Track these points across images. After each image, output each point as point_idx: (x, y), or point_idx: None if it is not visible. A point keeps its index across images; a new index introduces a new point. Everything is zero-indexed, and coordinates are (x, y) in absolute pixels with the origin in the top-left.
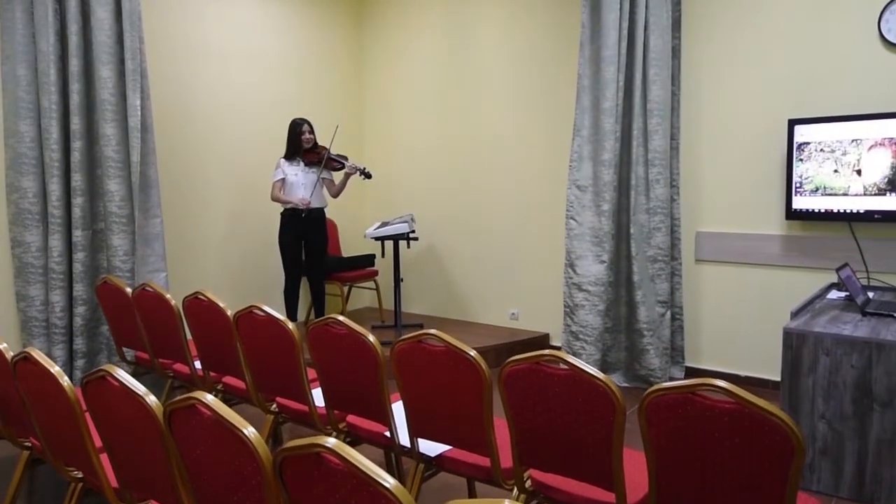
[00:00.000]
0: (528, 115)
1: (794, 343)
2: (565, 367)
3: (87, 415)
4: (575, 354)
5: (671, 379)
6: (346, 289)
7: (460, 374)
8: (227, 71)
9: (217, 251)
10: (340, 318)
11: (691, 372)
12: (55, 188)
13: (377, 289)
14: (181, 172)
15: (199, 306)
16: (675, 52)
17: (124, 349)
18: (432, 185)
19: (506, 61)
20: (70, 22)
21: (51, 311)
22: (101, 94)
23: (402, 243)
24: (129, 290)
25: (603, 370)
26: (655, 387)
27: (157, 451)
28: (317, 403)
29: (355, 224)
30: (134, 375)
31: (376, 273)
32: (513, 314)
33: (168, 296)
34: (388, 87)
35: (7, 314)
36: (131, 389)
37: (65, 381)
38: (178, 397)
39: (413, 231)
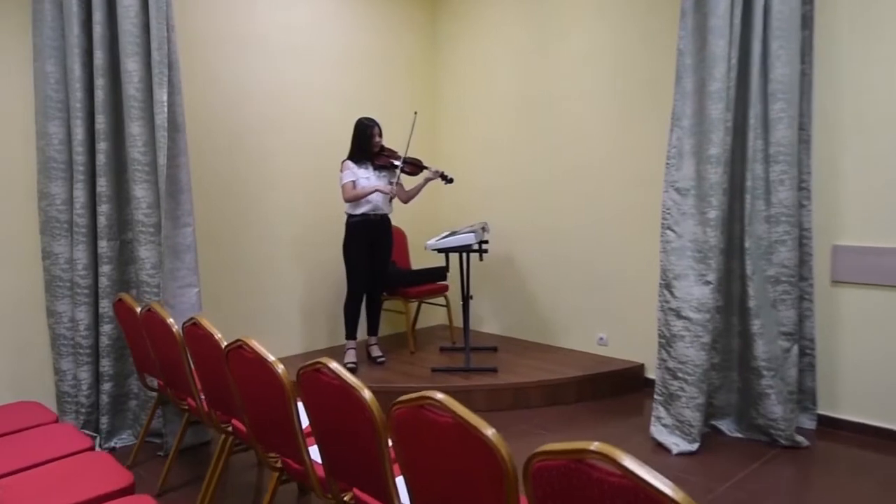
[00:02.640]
0: (622, 104)
1: None
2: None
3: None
4: (671, 396)
5: (799, 430)
6: (412, 305)
7: (473, 458)
8: (283, 66)
9: (267, 267)
10: (332, 365)
11: (826, 422)
12: (80, 194)
13: (447, 305)
14: (224, 176)
15: (195, 335)
16: (807, 21)
17: (146, 376)
18: (511, 189)
19: (592, 44)
20: (95, 10)
21: (75, 330)
22: (128, 89)
23: (474, 255)
24: (138, 309)
25: (709, 417)
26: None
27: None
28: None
29: (428, 232)
30: (160, 404)
31: (446, 288)
32: (601, 339)
33: (170, 320)
34: (464, 82)
35: (40, 330)
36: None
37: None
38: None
39: (485, 241)
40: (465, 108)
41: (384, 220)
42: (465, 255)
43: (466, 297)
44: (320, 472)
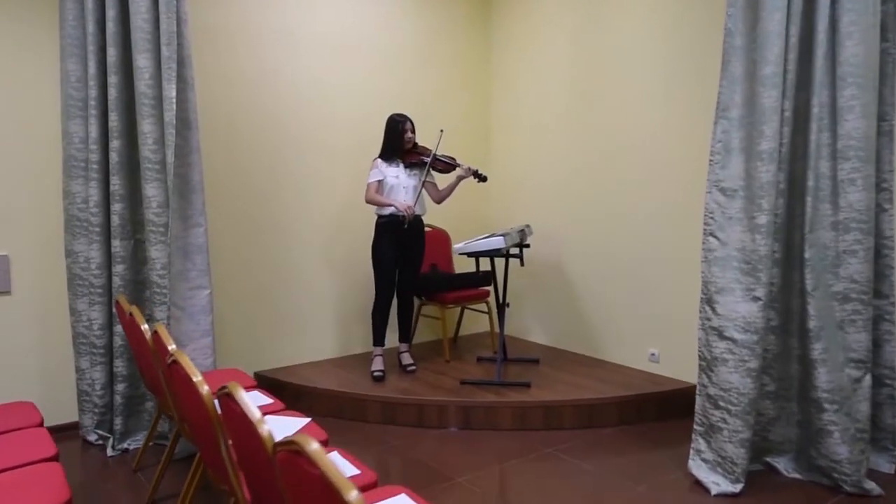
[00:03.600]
0: (678, 101)
1: None
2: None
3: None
4: (712, 427)
5: (872, 475)
6: (450, 311)
7: None
8: (318, 61)
9: (296, 268)
10: (315, 447)
11: None
12: (94, 192)
13: (489, 312)
14: (254, 174)
15: (174, 374)
16: None
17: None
18: (561, 189)
19: (647, 34)
20: (108, 8)
21: (90, 329)
22: (139, 86)
23: (515, 260)
24: (144, 327)
25: (763, 452)
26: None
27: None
28: None
29: (473, 234)
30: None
31: (487, 294)
32: (652, 355)
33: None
34: (516, 80)
35: (65, 328)
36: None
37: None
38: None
39: (525, 245)
40: (516, 104)
41: (415, 220)
42: (505, 259)
43: (501, 305)
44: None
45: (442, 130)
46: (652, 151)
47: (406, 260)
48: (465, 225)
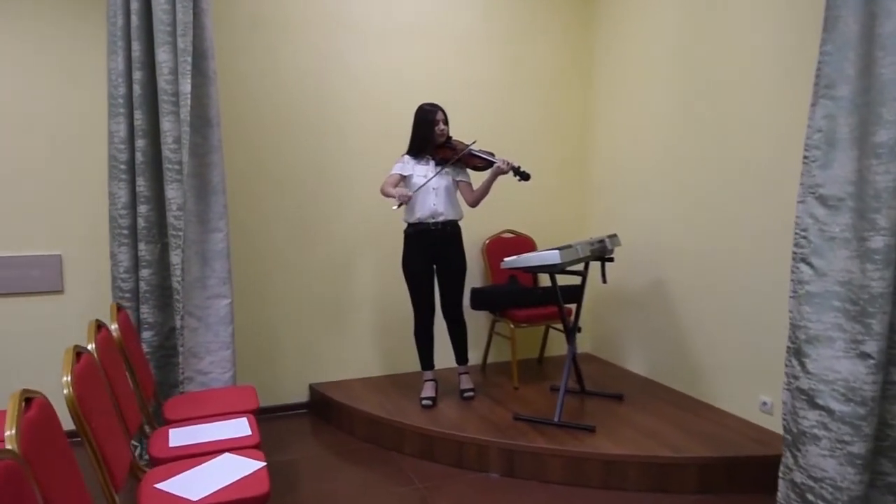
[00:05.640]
0: (795, 103)
1: None
2: None
3: None
4: None
5: None
6: (520, 331)
7: None
8: (379, 51)
9: (338, 277)
10: None
11: None
12: (122, 194)
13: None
14: (291, 175)
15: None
16: None
17: None
18: (667, 198)
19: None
20: (132, 0)
21: None
22: (160, 81)
23: (594, 275)
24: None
25: None
26: None
27: None
28: None
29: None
30: None
31: (568, 312)
32: (764, 404)
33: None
34: (618, 78)
35: None
36: None
37: None
38: None
39: (608, 259)
40: (617, 102)
41: (447, 227)
42: (582, 277)
43: (571, 331)
44: None
45: (474, 142)
46: (765, 160)
47: (444, 274)
48: (556, 232)
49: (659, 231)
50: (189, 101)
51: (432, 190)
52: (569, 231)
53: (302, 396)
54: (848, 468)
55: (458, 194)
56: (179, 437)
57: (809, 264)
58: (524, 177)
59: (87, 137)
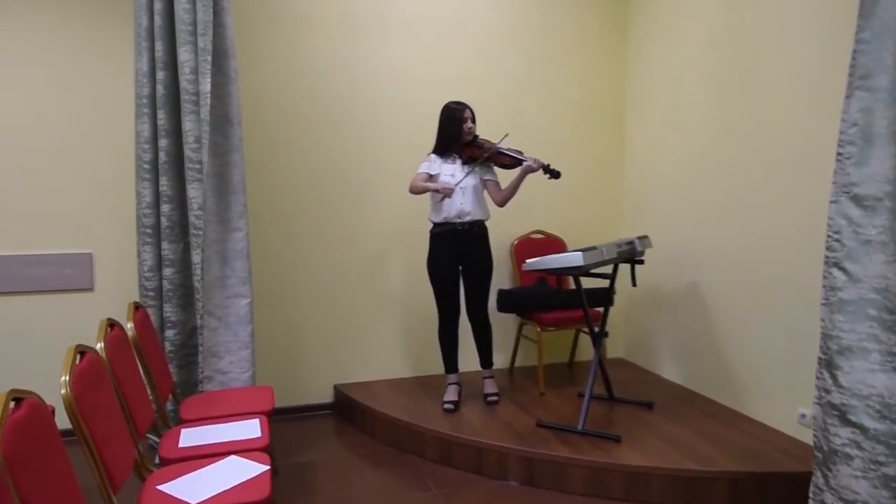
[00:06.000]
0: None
1: None
2: None
3: None
4: None
5: None
6: (546, 334)
7: None
8: (409, 46)
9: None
10: None
11: None
12: (147, 193)
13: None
14: (321, 172)
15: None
16: None
17: None
18: (704, 194)
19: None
20: (155, 0)
21: None
22: (181, 81)
23: (624, 278)
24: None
25: None
26: None
27: None
28: None
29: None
30: None
31: (597, 315)
32: (803, 416)
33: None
34: (652, 75)
35: None
36: None
37: None
38: None
39: (638, 261)
40: (651, 100)
41: (474, 227)
42: (611, 279)
43: (597, 336)
44: None
45: (506, 135)
46: (804, 152)
47: (469, 275)
48: (589, 232)
49: (694, 231)
50: (209, 101)
51: (459, 189)
52: (601, 232)
53: (327, 397)
54: (882, 491)
55: (486, 194)
56: (190, 437)
57: (843, 269)
58: (554, 174)
59: (119, 137)
